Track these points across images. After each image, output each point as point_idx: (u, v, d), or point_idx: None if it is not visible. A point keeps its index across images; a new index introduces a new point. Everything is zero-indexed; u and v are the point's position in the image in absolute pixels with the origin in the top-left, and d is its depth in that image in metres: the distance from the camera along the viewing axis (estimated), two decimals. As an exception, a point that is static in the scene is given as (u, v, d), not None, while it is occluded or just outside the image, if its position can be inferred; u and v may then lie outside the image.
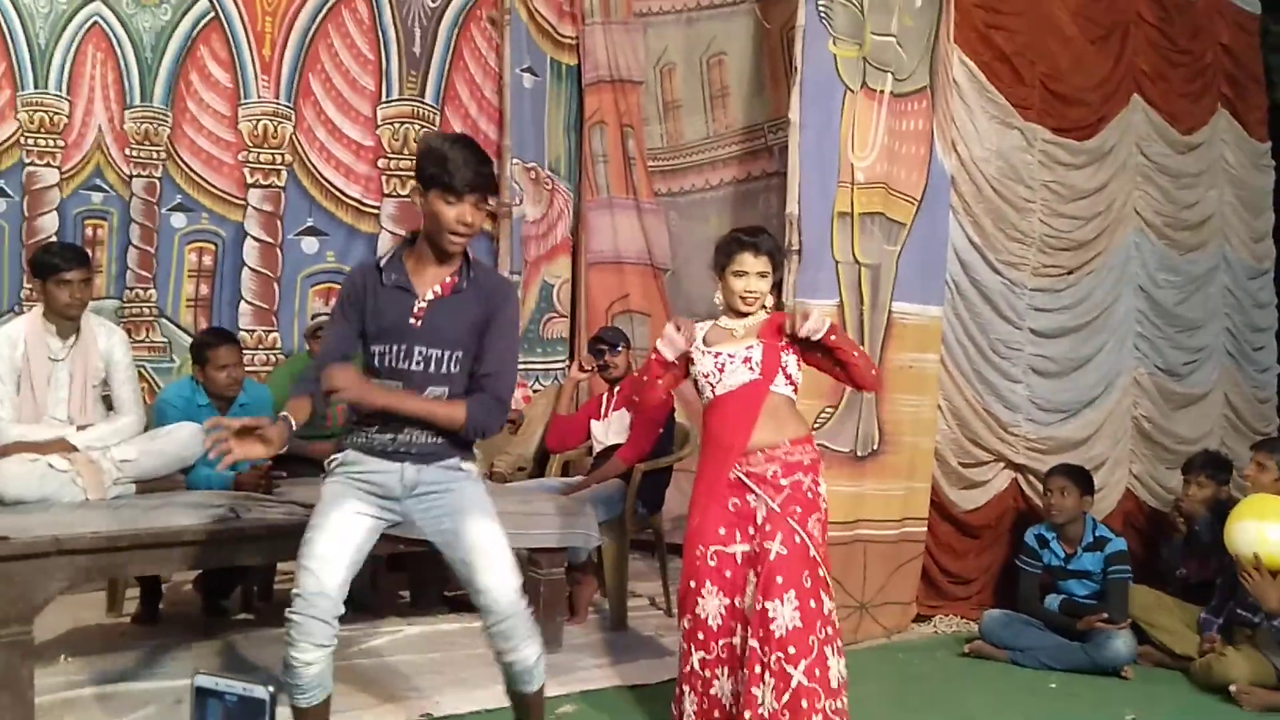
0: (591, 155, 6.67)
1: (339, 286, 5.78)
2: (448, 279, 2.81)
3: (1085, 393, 5.48)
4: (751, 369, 3.20)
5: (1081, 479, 4.66)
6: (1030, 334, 5.30)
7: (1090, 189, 5.44)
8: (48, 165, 5.28)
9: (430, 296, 2.79)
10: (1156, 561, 4.79)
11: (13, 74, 5.20)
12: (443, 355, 2.79)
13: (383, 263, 2.84)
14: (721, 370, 3.22)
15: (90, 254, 4.34)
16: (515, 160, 6.48)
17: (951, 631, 4.92)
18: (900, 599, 4.86)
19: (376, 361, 2.82)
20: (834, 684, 3.04)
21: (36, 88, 5.25)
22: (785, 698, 2.96)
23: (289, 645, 2.70)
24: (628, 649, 4.32)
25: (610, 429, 4.98)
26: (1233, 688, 4.01)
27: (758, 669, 3.01)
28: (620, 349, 5.03)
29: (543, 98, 6.64)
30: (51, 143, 5.29)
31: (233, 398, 4.43)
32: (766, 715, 2.98)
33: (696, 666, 3.16)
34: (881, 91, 4.73)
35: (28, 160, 5.24)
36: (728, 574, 3.14)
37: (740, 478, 3.16)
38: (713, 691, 3.13)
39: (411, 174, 6.06)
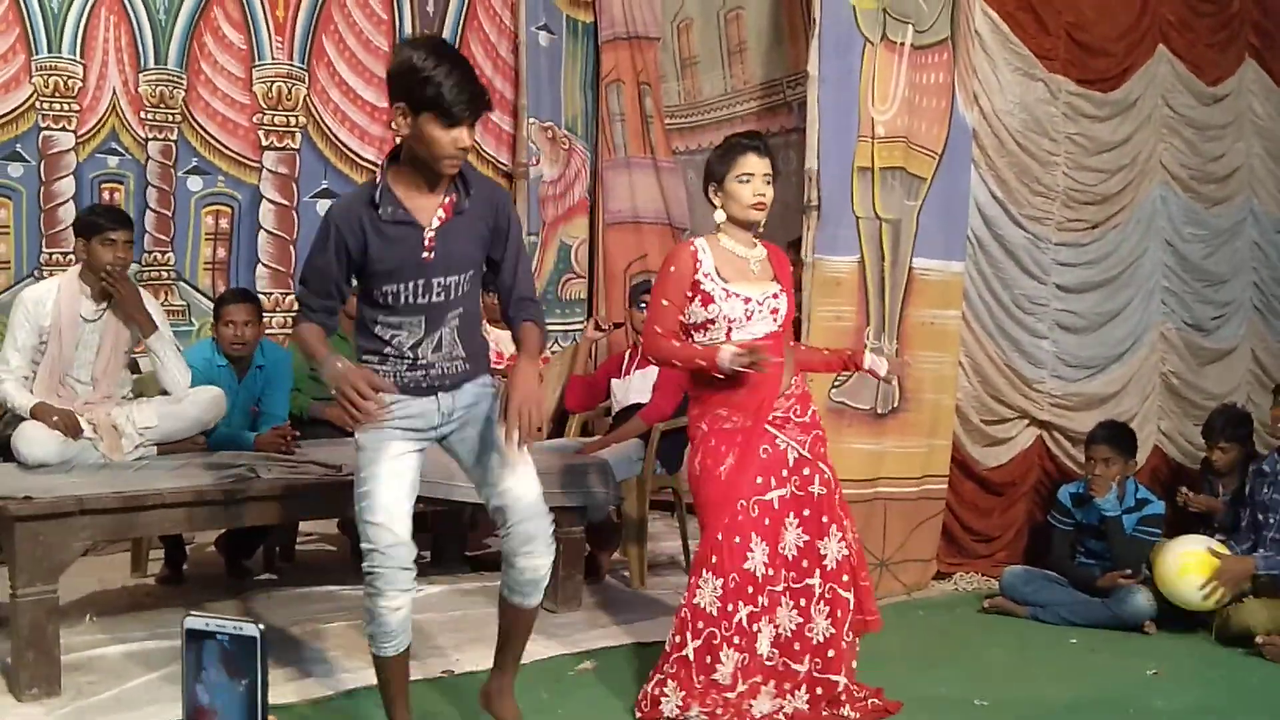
0: (608, 114, 6.61)
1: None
2: (446, 200, 2.68)
3: (1112, 348, 5.42)
4: (775, 320, 3.17)
5: (1125, 445, 4.53)
6: (1055, 289, 5.24)
7: (1115, 142, 5.35)
8: (63, 129, 5.28)
9: (435, 224, 2.66)
10: (1181, 520, 4.75)
11: (26, 38, 5.19)
12: (459, 280, 2.71)
13: (377, 196, 2.64)
14: (749, 318, 3.13)
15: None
16: (532, 119, 6.44)
17: (972, 589, 4.91)
18: (920, 556, 4.85)
19: (389, 300, 2.67)
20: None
21: (50, 51, 5.23)
22: (846, 623, 3.19)
23: (375, 596, 2.70)
24: (647, 607, 4.33)
25: (630, 388, 4.96)
26: (1259, 638, 3.99)
27: (810, 603, 3.16)
28: None
29: (559, 56, 6.59)
30: (66, 106, 5.28)
31: (243, 357, 4.45)
32: (819, 640, 3.16)
33: (745, 622, 3.10)
34: (901, 44, 4.65)
35: (43, 124, 5.24)
36: (767, 522, 3.13)
37: (766, 426, 3.16)
38: (757, 646, 3.12)
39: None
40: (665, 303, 3.15)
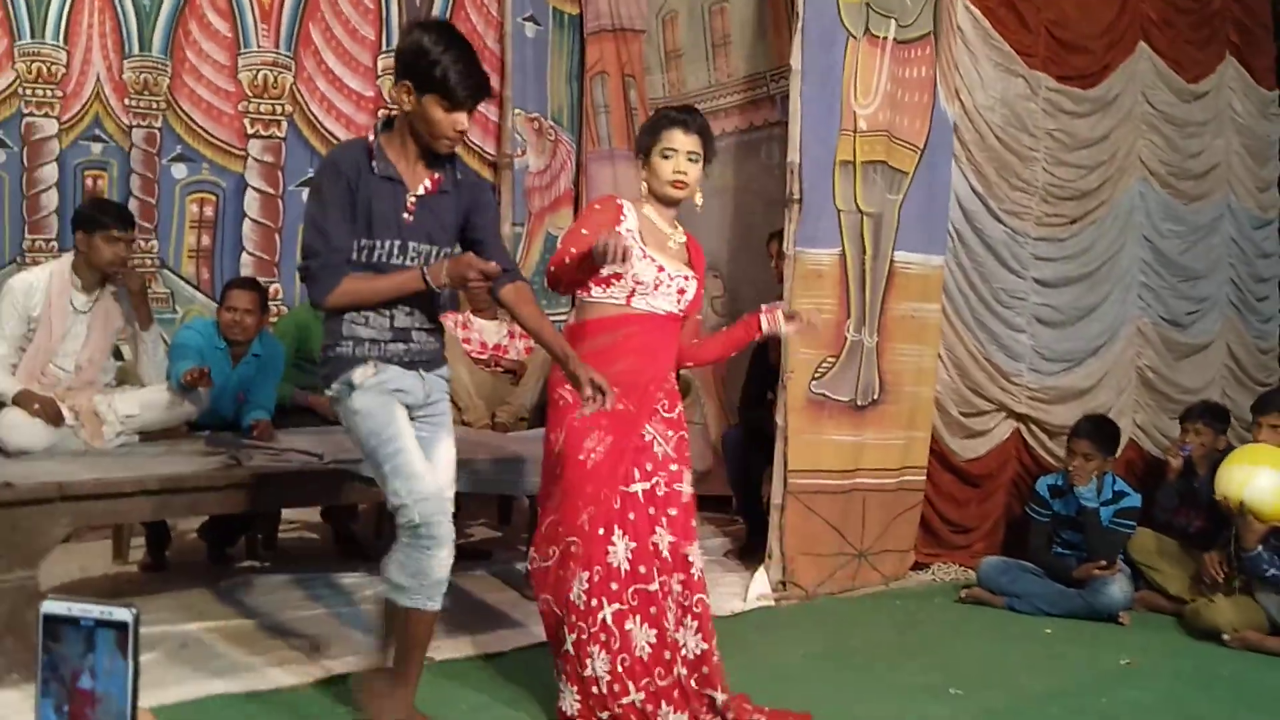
0: (593, 106, 6.63)
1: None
2: (435, 175, 2.76)
3: (1089, 342, 5.48)
4: (679, 302, 3.04)
5: (1107, 441, 4.56)
6: (1034, 283, 5.29)
7: (1094, 138, 5.40)
8: (46, 115, 5.26)
9: (420, 191, 2.74)
10: (1153, 510, 4.81)
11: (9, 23, 5.17)
12: (432, 252, 2.78)
13: (371, 150, 2.72)
14: (657, 287, 2.99)
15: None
16: (517, 111, 6.45)
17: (949, 579, 4.96)
18: (898, 547, 4.90)
19: (364, 257, 2.71)
20: None
21: (33, 37, 5.21)
22: (704, 633, 2.99)
23: (427, 550, 2.71)
24: (628, 596, 4.35)
25: (612, 379, 4.98)
26: (1225, 636, 4.05)
27: (678, 614, 2.97)
28: None
29: (545, 47, 6.60)
30: (49, 93, 5.26)
31: (243, 342, 4.47)
32: (693, 657, 2.98)
33: (610, 621, 2.87)
34: (884, 38, 4.68)
35: (26, 111, 5.22)
36: (632, 516, 2.94)
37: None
38: (632, 645, 2.87)
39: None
40: (584, 232, 2.94)
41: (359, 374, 2.74)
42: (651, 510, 2.96)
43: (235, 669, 3.36)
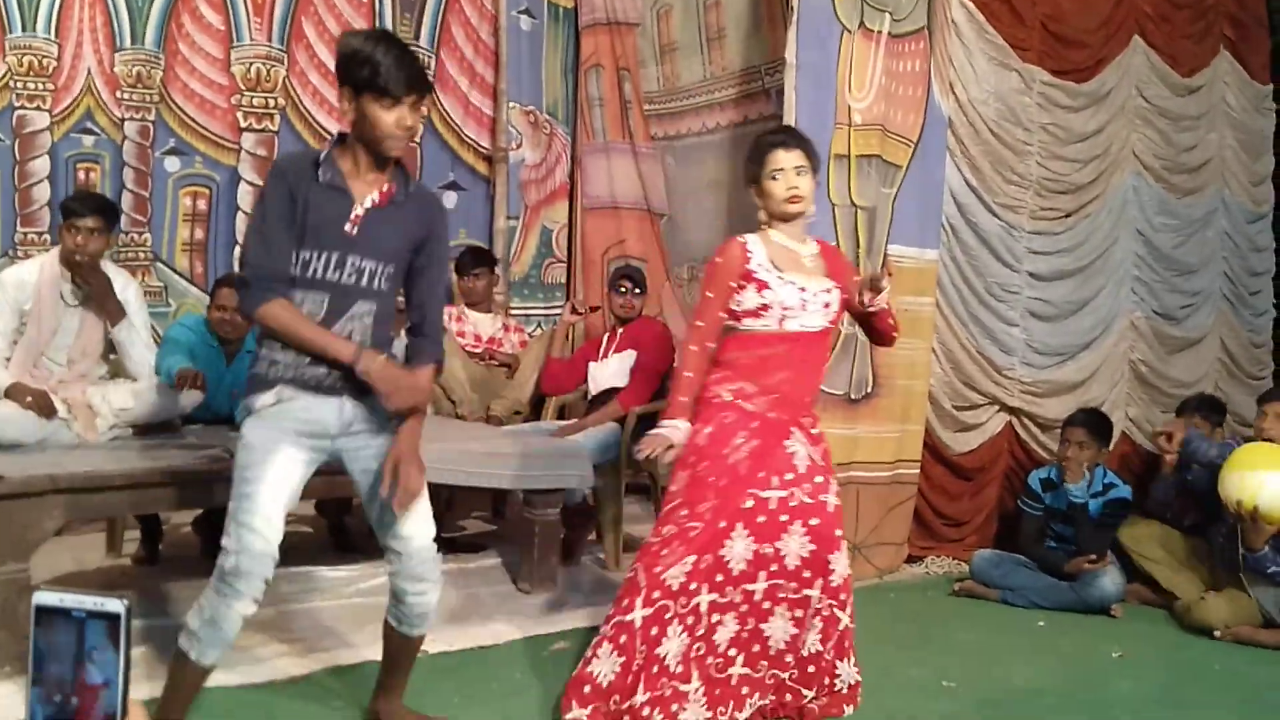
0: (588, 99, 6.62)
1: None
2: (385, 187, 2.64)
3: (1082, 336, 5.49)
4: (827, 315, 3.08)
5: (1101, 432, 4.58)
6: (1028, 277, 5.30)
7: (1088, 132, 5.41)
8: (38, 109, 5.23)
9: (368, 204, 2.62)
10: (1148, 503, 4.82)
11: (0, 18, 5.15)
12: (375, 269, 2.63)
13: (320, 159, 2.60)
14: (803, 307, 3.03)
15: (117, 209, 4.31)
16: (513, 104, 6.44)
17: (943, 572, 4.98)
18: (892, 540, 4.91)
19: (299, 268, 2.57)
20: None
21: (25, 31, 5.19)
22: (832, 640, 3.11)
23: (229, 598, 2.54)
24: (622, 589, 4.35)
25: (608, 371, 4.99)
26: (1217, 633, 4.07)
27: (806, 614, 3.05)
28: (641, 292, 5.03)
29: (540, 40, 6.59)
30: (41, 86, 5.24)
31: (236, 339, 4.45)
32: (808, 654, 3.08)
33: (704, 608, 2.94)
34: (879, 32, 4.68)
35: (17, 104, 5.20)
36: (760, 519, 2.99)
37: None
38: (716, 637, 2.96)
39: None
40: (710, 295, 3.06)
41: (259, 400, 2.60)
42: (783, 518, 3.02)
43: (228, 661, 3.33)
